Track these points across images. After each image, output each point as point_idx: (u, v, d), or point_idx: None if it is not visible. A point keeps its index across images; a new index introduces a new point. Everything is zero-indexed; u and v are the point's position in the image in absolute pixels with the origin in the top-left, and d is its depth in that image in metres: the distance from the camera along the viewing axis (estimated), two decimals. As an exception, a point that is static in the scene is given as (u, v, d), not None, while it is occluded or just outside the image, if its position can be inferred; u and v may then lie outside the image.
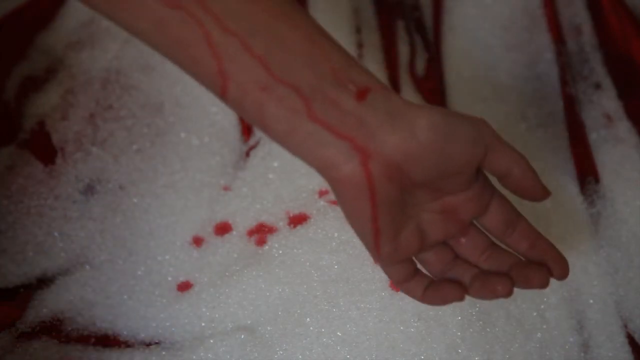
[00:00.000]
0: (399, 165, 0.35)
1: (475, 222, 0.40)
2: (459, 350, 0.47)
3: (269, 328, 0.48)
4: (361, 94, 0.35)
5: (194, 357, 0.48)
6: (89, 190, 0.56)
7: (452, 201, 0.38)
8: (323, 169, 0.35)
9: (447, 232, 0.39)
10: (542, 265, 0.38)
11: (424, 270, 0.40)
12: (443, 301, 0.38)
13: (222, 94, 0.35)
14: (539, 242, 0.39)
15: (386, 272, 0.39)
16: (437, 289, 0.38)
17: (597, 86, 0.62)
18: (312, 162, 0.36)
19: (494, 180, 0.39)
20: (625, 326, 0.50)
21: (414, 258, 0.40)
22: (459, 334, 0.47)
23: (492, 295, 0.37)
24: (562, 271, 0.38)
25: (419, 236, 0.38)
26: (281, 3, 0.35)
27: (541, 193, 0.38)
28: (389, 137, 0.34)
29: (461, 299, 0.38)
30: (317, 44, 0.35)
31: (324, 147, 0.34)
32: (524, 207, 0.54)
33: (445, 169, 0.36)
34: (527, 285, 0.38)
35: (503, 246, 0.40)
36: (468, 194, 0.38)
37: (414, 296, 0.39)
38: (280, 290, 0.50)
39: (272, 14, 0.34)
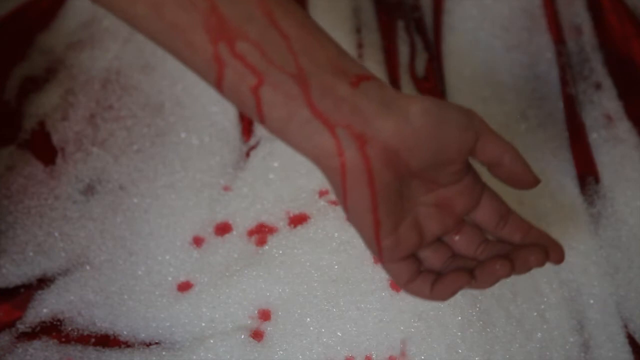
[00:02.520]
0: (395, 151, 0.35)
1: (467, 218, 0.41)
2: (459, 350, 0.47)
3: (269, 328, 0.49)
4: (355, 82, 0.35)
5: (194, 357, 0.48)
6: (89, 190, 0.56)
7: (446, 194, 0.39)
8: (320, 158, 0.35)
9: (443, 225, 0.39)
10: (538, 246, 0.38)
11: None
12: (453, 291, 0.38)
13: (218, 81, 0.35)
14: (532, 232, 0.40)
15: (391, 274, 0.39)
16: (443, 282, 0.38)
17: (598, 86, 0.62)
18: (309, 150, 0.35)
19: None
20: (626, 326, 0.50)
21: (416, 257, 0.40)
22: (459, 334, 0.47)
23: (493, 277, 0.38)
24: (558, 255, 0.39)
25: (417, 230, 0.38)
26: None
27: (531, 180, 0.39)
28: (384, 123, 0.35)
29: (469, 282, 0.38)
30: (310, 32, 0.35)
31: (321, 134, 0.34)
32: (524, 206, 0.54)
33: (438, 155, 0.36)
34: (526, 266, 0.38)
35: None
36: (460, 186, 0.39)
37: (422, 295, 0.39)
38: (280, 290, 0.50)
39: (267, 1, 0.34)
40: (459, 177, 0.38)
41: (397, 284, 0.39)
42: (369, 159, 0.35)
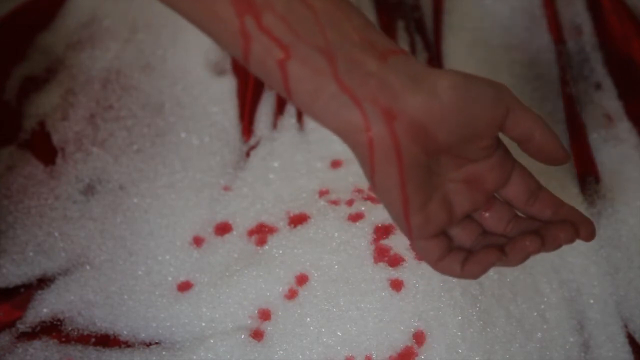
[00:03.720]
0: (423, 126, 0.35)
1: (497, 195, 0.40)
2: (459, 350, 0.47)
3: (269, 328, 0.49)
4: (383, 56, 0.35)
5: (194, 357, 0.48)
6: (89, 190, 0.56)
7: (476, 169, 0.38)
8: (347, 133, 0.35)
9: (473, 202, 0.39)
10: (568, 223, 0.38)
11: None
12: (484, 268, 0.37)
13: (245, 55, 0.34)
14: (563, 208, 0.39)
15: (420, 252, 0.38)
16: (474, 259, 0.38)
17: (598, 86, 0.62)
18: (337, 125, 0.35)
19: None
20: (626, 326, 0.50)
21: (446, 234, 0.39)
22: (459, 334, 0.47)
23: (524, 254, 0.37)
24: (589, 231, 0.38)
25: (446, 207, 0.38)
26: None
27: (562, 156, 0.38)
28: (412, 98, 0.34)
29: (500, 259, 0.37)
30: (337, 5, 0.35)
31: (349, 109, 0.34)
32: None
33: (467, 131, 0.36)
34: (555, 243, 0.37)
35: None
36: (490, 162, 0.38)
37: (453, 273, 0.38)
38: (280, 290, 0.50)
39: None
40: (488, 152, 0.38)
41: (427, 262, 0.39)
42: (396, 135, 0.34)
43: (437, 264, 0.38)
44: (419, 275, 0.48)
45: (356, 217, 0.52)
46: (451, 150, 0.37)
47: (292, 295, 0.49)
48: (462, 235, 0.39)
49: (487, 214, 0.40)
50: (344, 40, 0.34)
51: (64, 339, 0.49)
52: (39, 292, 0.51)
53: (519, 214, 0.40)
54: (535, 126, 0.37)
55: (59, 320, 0.50)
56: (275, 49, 0.34)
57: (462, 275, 0.38)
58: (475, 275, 0.38)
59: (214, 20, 0.34)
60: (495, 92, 0.36)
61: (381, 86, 0.34)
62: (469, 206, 0.39)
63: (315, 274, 0.50)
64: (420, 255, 0.39)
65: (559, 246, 0.38)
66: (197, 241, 0.54)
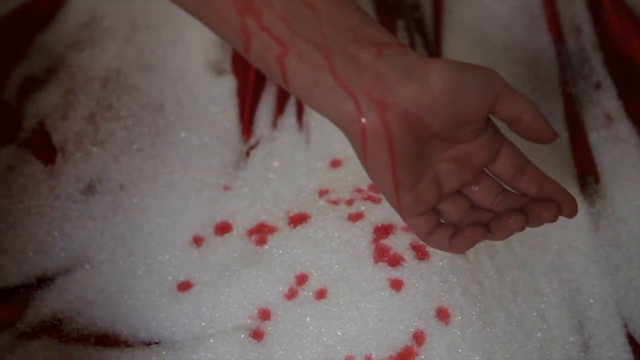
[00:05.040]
0: (415, 116, 0.36)
1: (486, 170, 0.42)
2: (459, 350, 0.47)
3: (269, 328, 0.49)
4: (379, 49, 0.36)
5: (194, 357, 0.48)
6: (89, 190, 0.56)
7: (465, 149, 0.40)
8: (343, 123, 0.37)
9: (462, 179, 0.41)
10: (551, 202, 0.40)
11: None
12: (470, 244, 0.40)
13: (246, 50, 0.37)
14: (548, 184, 0.41)
15: (411, 227, 0.41)
16: (461, 235, 0.40)
17: (597, 86, 0.62)
18: (333, 115, 0.37)
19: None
20: (626, 326, 0.50)
21: (435, 210, 0.41)
22: (459, 334, 0.47)
23: (508, 231, 0.39)
24: (571, 208, 0.40)
25: (436, 186, 0.40)
26: None
27: (550, 135, 0.40)
28: (404, 89, 0.36)
29: (485, 236, 0.39)
30: (336, 2, 0.37)
31: (343, 100, 0.36)
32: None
33: (458, 118, 0.38)
34: (538, 220, 0.39)
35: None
36: (480, 141, 0.40)
37: (441, 247, 0.41)
38: (280, 290, 0.50)
39: None
40: (478, 133, 0.40)
41: (418, 237, 0.41)
42: (388, 124, 0.36)
43: (427, 238, 0.41)
44: (419, 275, 0.48)
45: (356, 217, 0.52)
46: (441, 135, 0.39)
47: (292, 295, 0.49)
48: (451, 209, 0.41)
49: (475, 188, 0.42)
50: (341, 37, 0.36)
51: (64, 339, 0.49)
52: (39, 292, 0.51)
53: (507, 188, 0.42)
54: (523, 109, 0.39)
55: (59, 320, 0.50)
56: (274, 45, 0.36)
57: (450, 249, 0.41)
58: (461, 250, 0.40)
59: (217, 19, 0.36)
60: (486, 80, 0.38)
61: (375, 78, 0.36)
62: (458, 183, 0.41)
63: (315, 274, 0.50)
64: (412, 230, 0.41)
65: (541, 223, 0.40)
66: (197, 241, 0.54)
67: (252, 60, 0.37)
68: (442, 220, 0.41)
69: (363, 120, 0.36)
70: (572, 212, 0.40)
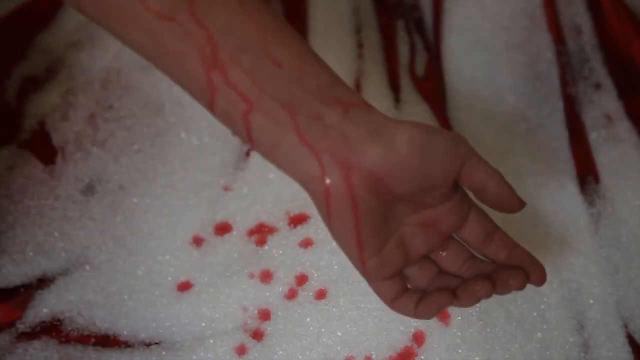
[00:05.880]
0: (379, 177, 0.36)
1: (454, 235, 0.41)
2: (459, 350, 0.47)
3: (269, 328, 0.49)
4: (345, 109, 0.36)
5: (194, 357, 0.48)
6: (89, 190, 0.56)
7: (433, 214, 0.39)
8: (306, 182, 0.36)
9: (429, 244, 0.40)
10: (519, 269, 0.39)
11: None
12: (436, 310, 0.39)
13: (210, 106, 0.36)
14: (516, 251, 0.40)
15: (376, 292, 0.40)
16: (427, 300, 0.39)
17: (597, 86, 0.62)
18: (296, 174, 0.36)
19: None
20: (626, 326, 0.50)
21: (402, 275, 0.40)
22: (459, 334, 0.47)
23: (474, 298, 0.38)
24: (539, 276, 0.39)
25: (402, 250, 0.39)
26: (272, 20, 0.36)
27: (516, 205, 0.39)
28: (370, 150, 0.35)
29: (451, 302, 0.38)
30: (304, 60, 0.36)
31: (307, 160, 0.35)
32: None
33: (424, 182, 0.37)
34: (506, 288, 0.38)
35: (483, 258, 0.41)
36: (447, 206, 0.39)
37: (406, 313, 0.40)
38: (280, 290, 0.50)
39: (262, 30, 0.35)
40: (445, 198, 0.39)
41: (383, 301, 0.40)
42: (352, 185, 0.35)
43: (392, 304, 0.40)
44: (419, 275, 0.48)
45: (356, 217, 0.52)
46: (407, 198, 0.38)
47: (292, 295, 0.49)
48: (418, 274, 0.40)
49: (443, 253, 0.41)
50: (307, 96, 0.35)
51: (63, 339, 0.49)
52: (39, 292, 0.51)
53: (476, 254, 0.41)
54: (489, 178, 0.38)
55: (58, 320, 0.50)
56: (239, 102, 0.35)
57: (415, 315, 0.39)
58: (427, 316, 0.39)
59: (182, 74, 0.36)
60: (452, 145, 0.37)
61: (340, 138, 0.35)
62: (425, 248, 0.40)
63: (315, 274, 0.50)
64: (377, 294, 0.40)
65: (509, 291, 0.39)
66: (197, 241, 0.54)
67: (216, 116, 0.36)
68: (409, 286, 0.40)
69: (327, 180, 0.35)
70: (540, 280, 0.39)
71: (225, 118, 0.36)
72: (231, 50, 0.35)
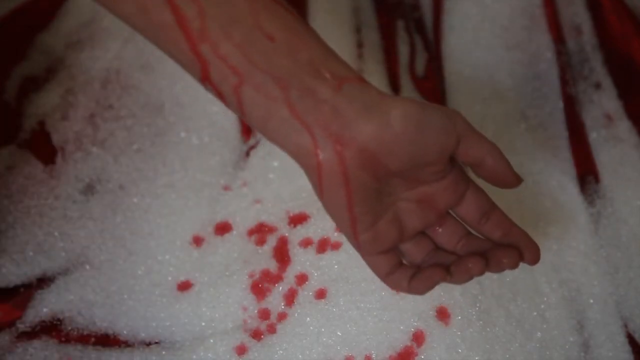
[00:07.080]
0: (373, 153, 0.36)
1: (451, 212, 0.41)
2: (459, 350, 0.47)
3: (269, 328, 0.48)
4: (339, 83, 0.35)
5: (194, 356, 0.48)
6: (89, 190, 0.56)
7: (428, 191, 0.39)
8: (298, 156, 0.36)
9: (425, 221, 0.40)
10: (513, 248, 0.39)
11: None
12: (429, 285, 0.39)
13: (203, 79, 0.36)
14: (513, 230, 0.40)
15: (370, 265, 0.40)
16: (421, 276, 0.39)
17: (597, 86, 0.62)
18: (288, 148, 0.36)
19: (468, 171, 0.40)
20: (626, 326, 0.50)
21: (396, 250, 0.40)
22: (459, 333, 0.47)
23: (467, 275, 0.38)
24: (533, 256, 0.39)
25: (397, 225, 0.39)
26: None
27: (513, 180, 0.39)
28: (363, 126, 0.35)
29: (445, 278, 0.38)
30: (296, 34, 0.36)
31: (300, 133, 0.35)
32: (523, 205, 0.54)
33: (419, 158, 0.37)
34: (499, 267, 0.39)
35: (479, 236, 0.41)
36: (444, 183, 0.39)
37: (400, 288, 0.40)
38: (280, 289, 0.50)
39: (254, 3, 0.35)
40: (441, 175, 0.39)
41: (377, 276, 0.40)
42: (344, 161, 0.35)
43: (386, 278, 0.40)
44: (419, 275, 0.48)
45: (356, 217, 0.52)
46: (402, 175, 0.38)
47: (292, 295, 0.49)
48: (413, 250, 0.40)
49: (439, 230, 0.41)
50: (299, 69, 0.35)
51: (63, 339, 0.49)
52: (39, 292, 0.51)
53: (472, 231, 0.41)
54: (486, 153, 0.38)
55: (58, 320, 0.50)
56: (230, 75, 0.35)
57: (408, 290, 0.39)
58: (420, 292, 0.39)
59: (173, 46, 0.35)
60: (447, 122, 0.37)
61: (333, 113, 0.35)
62: (420, 224, 0.40)
63: (315, 274, 0.50)
64: (370, 268, 0.40)
65: (502, 270, 0.39)
66: (197, 241, 0.54)
67: (209, 89, 0.36)
68: (404, 262, 0.40)
69: (320, 155, 0.35)
70: (534, 260, 0.39)
71: (216, 91, 0.36)
72: (222, 23, 0.34)
